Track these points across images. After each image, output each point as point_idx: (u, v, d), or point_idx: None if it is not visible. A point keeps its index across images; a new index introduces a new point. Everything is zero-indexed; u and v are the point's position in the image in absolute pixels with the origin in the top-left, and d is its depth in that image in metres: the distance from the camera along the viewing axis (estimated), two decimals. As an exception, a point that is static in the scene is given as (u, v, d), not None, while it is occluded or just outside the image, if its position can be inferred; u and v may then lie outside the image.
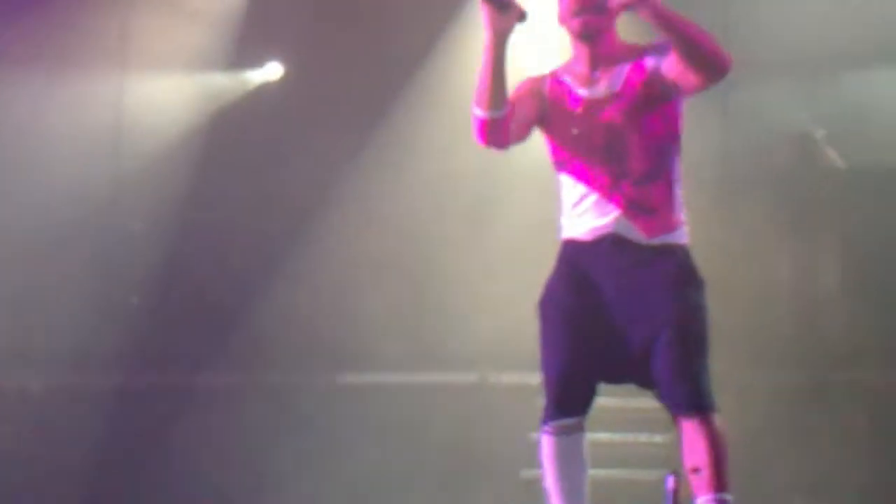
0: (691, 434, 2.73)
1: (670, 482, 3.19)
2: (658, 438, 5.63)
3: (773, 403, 5.90)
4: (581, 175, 2.73)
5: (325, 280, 6.83)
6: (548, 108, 2.77)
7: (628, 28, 2.92)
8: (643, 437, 5.85)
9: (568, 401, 2.80)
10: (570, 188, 2.76)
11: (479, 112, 2.63)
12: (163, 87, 7.46)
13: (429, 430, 6.32)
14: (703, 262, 2.82)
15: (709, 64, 2.56)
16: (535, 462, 3.83)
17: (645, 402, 4.14)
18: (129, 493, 6.39)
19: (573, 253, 2.76)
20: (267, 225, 6.96)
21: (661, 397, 2.78)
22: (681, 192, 2.79)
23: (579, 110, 2.74)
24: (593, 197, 2.73)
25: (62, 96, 7.20)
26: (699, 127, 3.86)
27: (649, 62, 2.70)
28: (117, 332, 6.91)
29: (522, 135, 2.82)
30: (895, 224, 5.94)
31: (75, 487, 6.52)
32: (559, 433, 2.83)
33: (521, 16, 2.66)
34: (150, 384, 6.95)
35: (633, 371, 2.79)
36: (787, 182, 6.20)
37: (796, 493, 5.76)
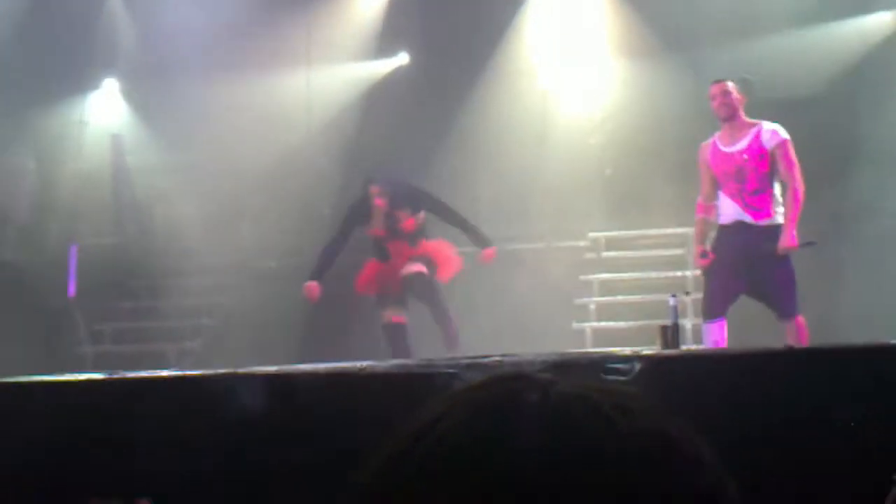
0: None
1: (672, 301, 4.01)
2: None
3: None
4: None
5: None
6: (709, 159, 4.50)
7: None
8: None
9: None
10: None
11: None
12: (333, 74, 9.29)
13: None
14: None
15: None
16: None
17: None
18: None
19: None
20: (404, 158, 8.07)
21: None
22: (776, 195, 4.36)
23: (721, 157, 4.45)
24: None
25: (268, 84, 9.06)
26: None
27: (765, 142, 4.30)
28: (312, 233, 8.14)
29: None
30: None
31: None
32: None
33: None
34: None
35: None
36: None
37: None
